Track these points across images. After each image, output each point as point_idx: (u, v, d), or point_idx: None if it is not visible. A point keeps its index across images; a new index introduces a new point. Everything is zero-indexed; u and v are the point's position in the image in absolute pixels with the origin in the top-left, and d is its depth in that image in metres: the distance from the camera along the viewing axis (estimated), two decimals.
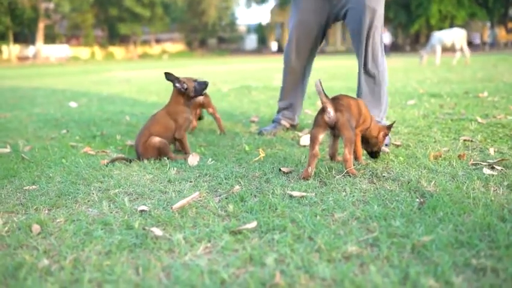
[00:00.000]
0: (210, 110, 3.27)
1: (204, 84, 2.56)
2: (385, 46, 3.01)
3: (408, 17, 35.05)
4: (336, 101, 2.04)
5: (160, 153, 2.45)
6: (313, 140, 2.02)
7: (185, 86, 2.50)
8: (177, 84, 2.50)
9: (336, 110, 1.99)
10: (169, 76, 2.50)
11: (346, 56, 25.44)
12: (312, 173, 2.02)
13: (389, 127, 2.30)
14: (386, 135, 2.28)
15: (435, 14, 33.77)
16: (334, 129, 2.03)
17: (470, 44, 24.69)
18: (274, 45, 47.65)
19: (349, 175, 2.01)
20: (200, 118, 3.50)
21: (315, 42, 3.06)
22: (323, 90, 1.99)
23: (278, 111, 3.35)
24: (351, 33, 2.83)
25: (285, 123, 3.25)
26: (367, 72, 2.79)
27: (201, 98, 3.20)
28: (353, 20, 2.76)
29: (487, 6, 34.33)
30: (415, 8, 34.22)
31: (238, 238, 1.41)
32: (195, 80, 2.55)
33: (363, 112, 2.16)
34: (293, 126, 3.29)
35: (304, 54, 3.09)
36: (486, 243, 1.30)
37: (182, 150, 2.59)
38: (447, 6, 33.57)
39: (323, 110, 2.00)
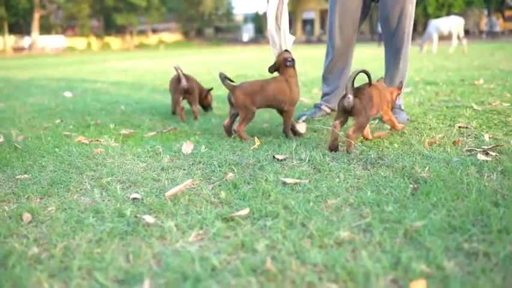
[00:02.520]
0: (192, 97, 3.28)
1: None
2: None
3: None
4: (358, 89, 2.22)
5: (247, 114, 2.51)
6: (335, 120, 2.24)
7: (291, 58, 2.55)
8: (289, 62, 2.53)
9: (355, 96, 2.16)
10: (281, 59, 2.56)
11: None
12: (337, 144, 2.18)
13: (399, 87, 2.56)
14: (398, 94, 2.54)
15: (433, 3, 33.66)
16: (350, 113, 2.21)
17: (467, 32, 24.59)
18: (245, 36, 47.71)
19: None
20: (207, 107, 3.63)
21: (358, 20, 2.96)
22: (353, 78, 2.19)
23: (322, 97, 3.32)
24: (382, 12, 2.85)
25: (325, 108, 3.24)
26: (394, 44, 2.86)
27: (185, 84, 3.19)
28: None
29: None
30: None
31: (230, 225, 1.40)
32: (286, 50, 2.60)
33: (383, 94, 2.38)
34: (334, 111, 3.24)
35: (348, 35, 3.00)
36: (479, 227, 1.29)
37: (285, 124, 2.57)
38: None
39: (344, 96, 2.19)
